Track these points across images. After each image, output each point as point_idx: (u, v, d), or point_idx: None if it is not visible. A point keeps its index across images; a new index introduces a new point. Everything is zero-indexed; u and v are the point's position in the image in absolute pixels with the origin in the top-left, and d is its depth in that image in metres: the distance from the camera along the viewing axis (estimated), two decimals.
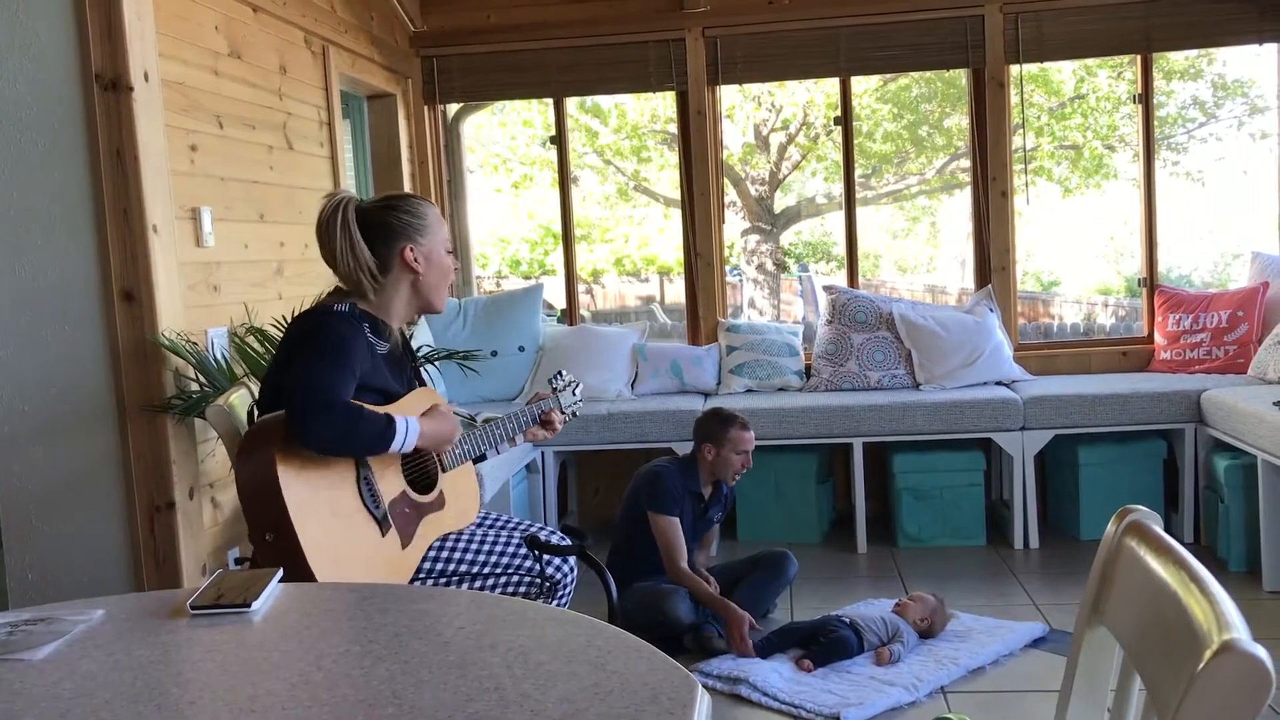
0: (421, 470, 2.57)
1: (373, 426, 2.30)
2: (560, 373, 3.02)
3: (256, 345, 3.56)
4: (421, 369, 2.85)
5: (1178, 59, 12.60)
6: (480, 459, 2.82)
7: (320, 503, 2.28)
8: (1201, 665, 0.96)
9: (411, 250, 2.51)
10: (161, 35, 3.29)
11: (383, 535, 2.39)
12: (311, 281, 4.28)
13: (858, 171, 5.76)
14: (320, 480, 2.30)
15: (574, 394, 3.00)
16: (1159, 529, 1.29)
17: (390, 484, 2.45)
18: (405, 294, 2.55)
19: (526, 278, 15.72)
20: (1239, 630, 0.98)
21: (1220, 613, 1.02)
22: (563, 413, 2.96)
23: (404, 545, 2.45)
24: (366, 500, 2.37)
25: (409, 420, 2.37)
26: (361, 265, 2.45)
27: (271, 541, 2.22)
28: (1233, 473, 4.40)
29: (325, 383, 2.27)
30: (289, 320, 3.52)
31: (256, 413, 2.54)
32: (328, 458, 2.30)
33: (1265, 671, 0.93)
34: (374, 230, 2.48)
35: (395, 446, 2.33)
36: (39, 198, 3.14)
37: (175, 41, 3.41)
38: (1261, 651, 0.94)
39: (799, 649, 3.64)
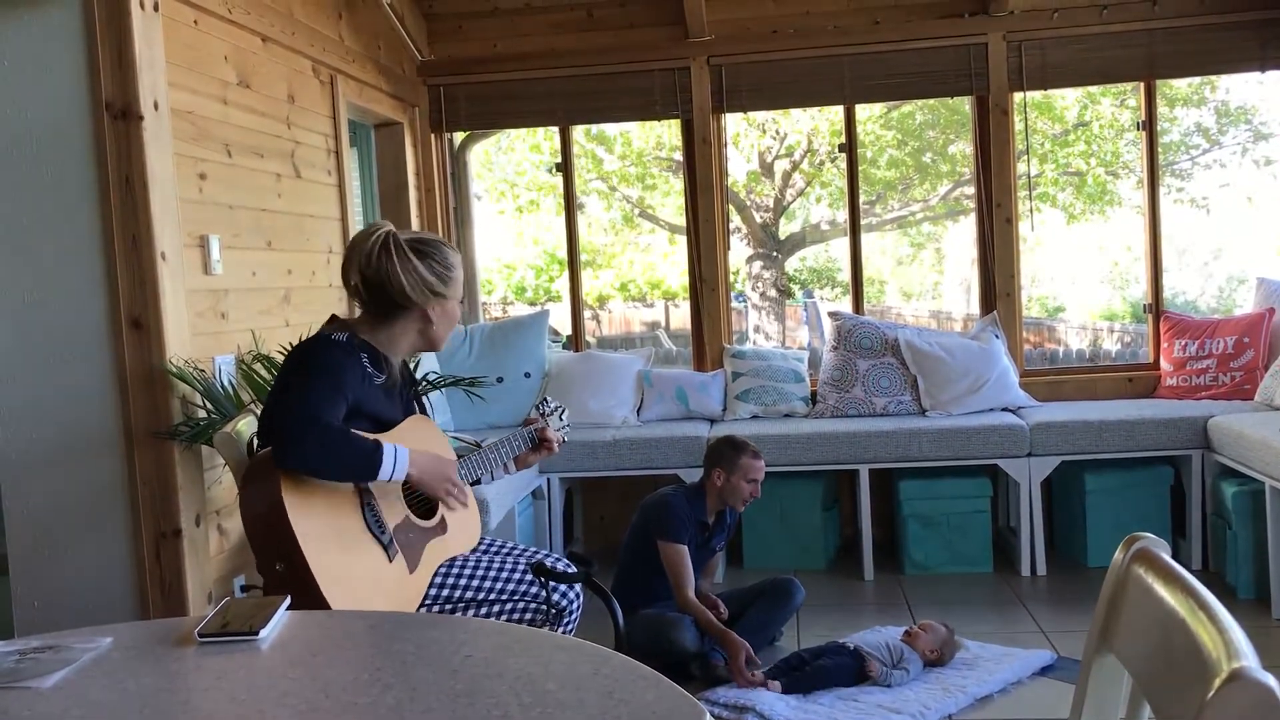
0: (423, 496, 2.57)
1: (358, 450, 2.28)
2: (546, 399, 3.00)
3: (264, 372, 3.57)
4: (422, 398, 2.85)
5: (1181, 86, 12.65)
6: (475, 484, 2.82)
7: (327, 531, 2.28)
8: (1211, 693, 0.95)
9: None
10: (171, 65, 3.32)
11: (390, 560, 2.40)
12: (318, 309, 4.30)
13: (862, 198, 5.79)
14: (326, 508, 2.30)
15: (561, 419, 2.97)
16: (1167, 556, 1.29)
17: (393, 510, 2.45)
18: (412, 335, 2.56)
19: (532, 304, 15.76)
20: (1249, 658, 0.98)
21: (1230, 640, 1.02)
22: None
23: (411, 570, 2.45)
24: (372, 526, 2.37)
25: (398, 448, 2.35)
26: (426, 284, 2.46)
27: (283, 571, 2.22)
28: (1240, 499, 4.38)
29: (310, 401, 2.26)
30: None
31: (256, 443, 2.54)
32: (330, 486, 2.31)
33: (1275, 700, 0.93)
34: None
35: (383, 475, 2.31)
36: (48, 225, 3.15)
37: (185, 71, 3.44)
38: (1271, 680, 0.94)
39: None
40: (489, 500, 4.04)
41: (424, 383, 3.84)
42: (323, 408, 2.27)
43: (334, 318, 2.58)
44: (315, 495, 2.28)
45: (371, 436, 2.33)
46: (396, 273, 2.44)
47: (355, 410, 2.38)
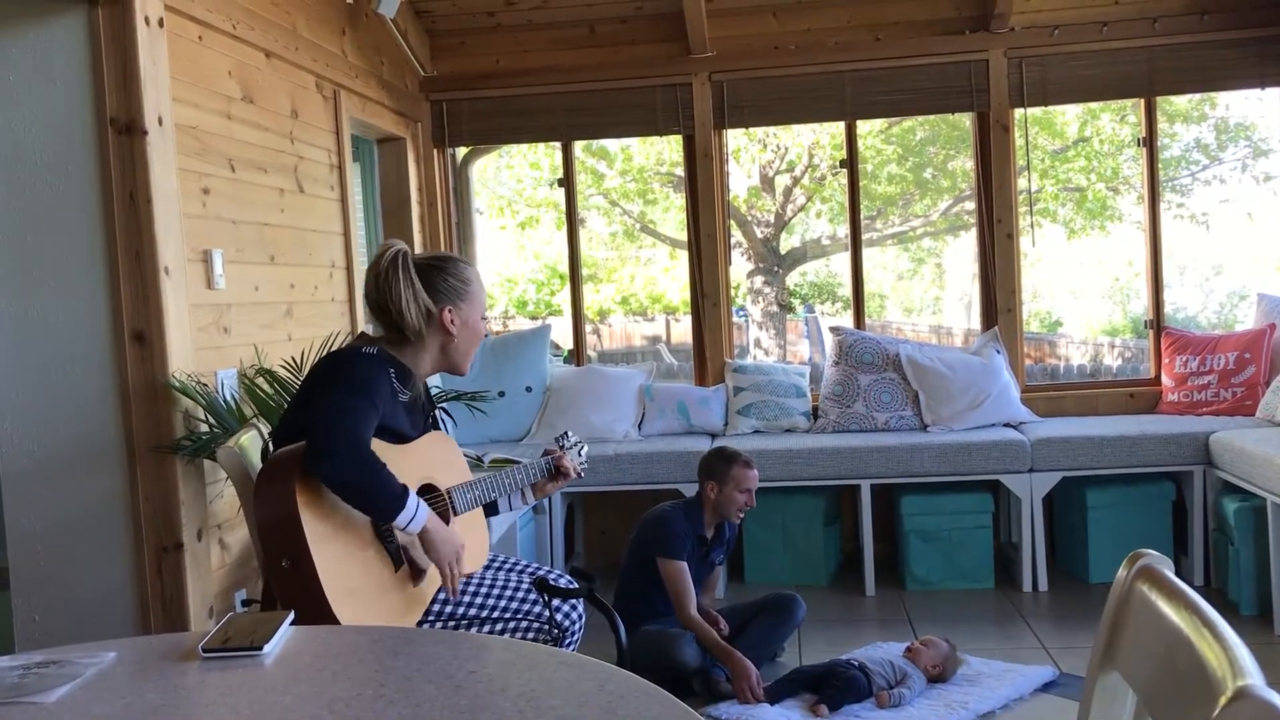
0: (436, 509, 2.57)
1: (387, 487, 2.29)
2: (566, 433, 3.04)
3: (266, 387, 3.57)
4: (439, 416, 2.87)
5: (1181, 102, 12.68)
6: (491, 508, 2.82)
7: (337, 534, 2.30)
8: (1217, 712, 0.95)
9: (450, 313, 2.55)
10: (175, 80, 3.33)
11: (395, 571, 2.40)
12: (321, 323, 4.31)
13: (862, 213, 5.80)
14: (337, 512, 2.32)
15: (580, 455, 3.02)
16: (1171, 573, 1.29)
17: None
18: (434, 352, 2.59)
19: (533, 318, 15.77)
20: (1253, 676, 0.98)
21: (1234, 658, 1.02)
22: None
23: (415, 582, 2.46)
24: (381, 534, 2.39)
25: (420, 503, 2.36)
26: (422, 312, 2.50)
27: (288, 569, 2.23)
28: (1242, 515, 4.38)
29: (350, 419, 2.29)
30: (309, 360, 3.55)
31: (272, 448, 2.55)
32: None
33: None
34: (426, 288, 2.53)
35: (400, 521, 2.32)
36: (52, 239, 3.16)
37: (189, 86, 3.46)
38: (1276, 698, 0.94)
39: (809, 693, 3.62)
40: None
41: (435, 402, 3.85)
42: (362, 427, 2.30)
43: (363, 334, 2.61)
44: (329, 498, 2.31)
45: (400, 481, 2.33)
46: (411, 286, 2.48)
47: (380, 426, 2.39)
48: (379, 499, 2.30)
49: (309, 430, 2.27)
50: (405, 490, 2.32)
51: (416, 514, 2.33)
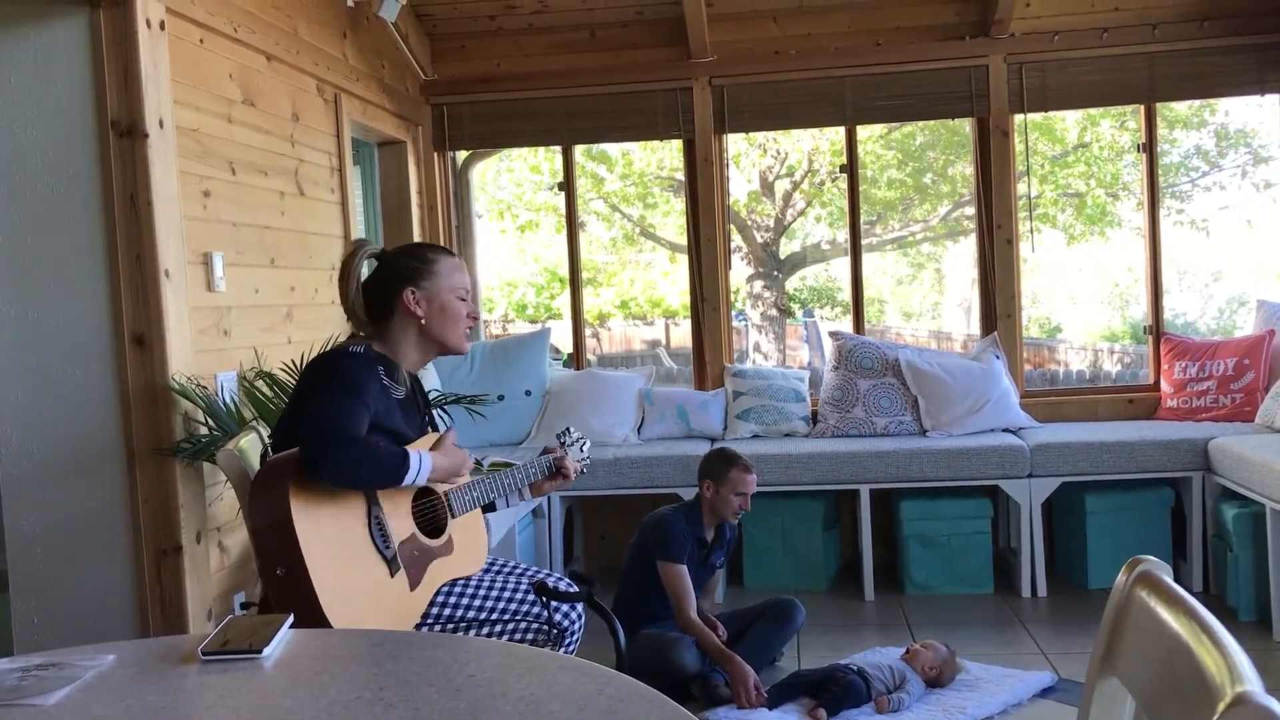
0: (431, 515, 2.57)
1: (387, 460, 2.32)
2: (568, 429, 3.03)
3: (266, 389, 3.57)
4: (435, 414, 2.87)
5: (1180, 108, 12.70)
6: (489, 508, 2.82)
7: (332, 540, 2.29)
8: (1215, 718, 0.95)
9: (412, 294, 2.55)
10: (177, 83, 3.34)
11: (391, 575, 2.40)
12: (321, 326, 4.31)
13: (862, 218, 5.81)
14: (332, 518, 2.31)
15: (582, 450, 3.00)
16: (1169, 579, 1.29)
17: (400, 525, 2.45)
18: (413, 337, 2.59)
19: (533, 321, 15.77)
20: (1252, 682, 0.98)
21: (1233, 664, 1.02)
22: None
23: (412, 587, 2.45)
24: (377, 540, 2.38)
25: (422, 454, 2.40)
26: (355, 308, 2.54)
27: (283, 576, 2.23)
28: (1241, 521, 4.38)
29: (341, 417, 2.30)
30: (302, 363, 3.56)
31: (270, 454, 2.55)
32: (340, 495, 2.32)
33: None
34: (383, 275, 2.57)
35: (409, 480, 2.36)
36: (53, 242, 3.16)
37: (190, 89, 3.46)
38: (1275, 704, 0.94)
39: (808, 698, 3.62)
40: (489, 517, 4.03)
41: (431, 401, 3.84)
42: (351, 421, 2.31)
43: (354, 334, 2.62)
44: (323, 505, 2.30)
45: (398, 449, 2.37)
46: (349, 279, 2.52)
47: (375, 426, 2.40)
48: (383, 475, 2.33)
49: (302, 433, 2.28)
50: (404, 454, 2.35)
51: (422, 466, 2.38)
